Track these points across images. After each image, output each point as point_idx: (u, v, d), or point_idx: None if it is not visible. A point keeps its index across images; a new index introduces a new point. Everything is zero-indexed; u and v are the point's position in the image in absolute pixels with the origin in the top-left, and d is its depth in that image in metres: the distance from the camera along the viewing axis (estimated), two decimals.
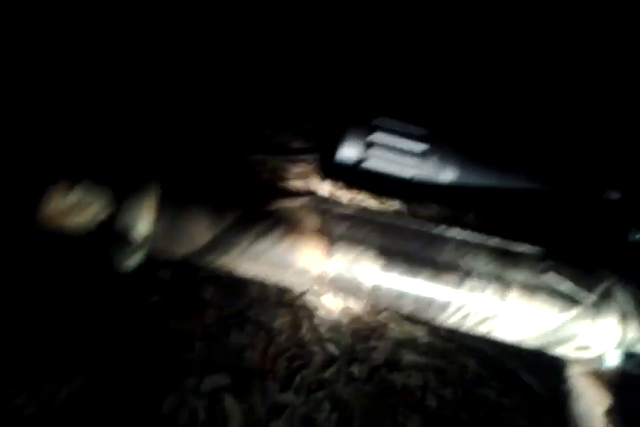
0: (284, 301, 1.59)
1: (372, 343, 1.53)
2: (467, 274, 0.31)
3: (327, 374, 1.42)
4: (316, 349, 1.48)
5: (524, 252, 0.34)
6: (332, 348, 1.49)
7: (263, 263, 0.30)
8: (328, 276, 0.31)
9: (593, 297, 0.30)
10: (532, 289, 0.29)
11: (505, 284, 0.30)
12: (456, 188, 0.41)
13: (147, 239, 0.29)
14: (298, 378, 1.40)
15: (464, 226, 0.36)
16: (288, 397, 1.34)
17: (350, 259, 0.30)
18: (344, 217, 0.31)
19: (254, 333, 1.49)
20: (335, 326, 1.55)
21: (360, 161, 0.42)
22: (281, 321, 1.53)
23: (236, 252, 0.29)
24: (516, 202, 0.40)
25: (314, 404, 1.34)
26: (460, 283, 0.30)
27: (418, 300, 0.30)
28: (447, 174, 0.40)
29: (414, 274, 0.30)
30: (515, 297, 0.30)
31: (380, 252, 0.31)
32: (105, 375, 1.31)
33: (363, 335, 1.54)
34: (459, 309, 0.30)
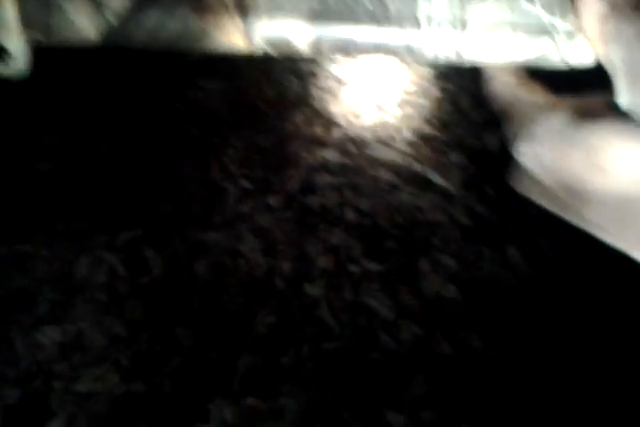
0: (190, 146, 1.53)
1: (285, 173, 1.51)
2: (419, 19, 0.24)
3: (244, 208, 1.41)
4: (228, 186, 1.45)
5: None
6: (245, 183, 1.47)
7: (181, 45, 0.22)
8: (257, 51, 0.24)
9: (567, 26, 0.24)
10: (497, 22, 0.23)
11: (464, 20, 0.24)
12: None
13: (15, 24, 0.20)
14: (215, 217, 1.38)
15: None
16: (208, 235, 1.33)
17: (273, 35, 0.22)
18: None
19: (162, 182, 1.44)
20: (245, 161, 1.52)
21: None
22: (189, 166, 1.48)
23: (139, 38, 0.21)
24: None
25: (235, 237, 1.34)
26: (413, 25, 0.23)
27: (374, 48, 0.24)
28: None
29: (357, 32, 0.23)
30: (476, 30, 0.24)
31: (313, 17, 0.23)
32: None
33: (274, 167, 1.52)
34: (412, 50, 0.24)
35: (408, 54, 0.29)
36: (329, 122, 1.65)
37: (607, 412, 1.03)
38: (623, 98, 0.26)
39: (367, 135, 1.61)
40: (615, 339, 1.12)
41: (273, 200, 1.45)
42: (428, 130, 1.64)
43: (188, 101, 1.63)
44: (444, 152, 1.55)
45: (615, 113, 0.26)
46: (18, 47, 0.23)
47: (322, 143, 1.61)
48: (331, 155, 1.57)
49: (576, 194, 0.27)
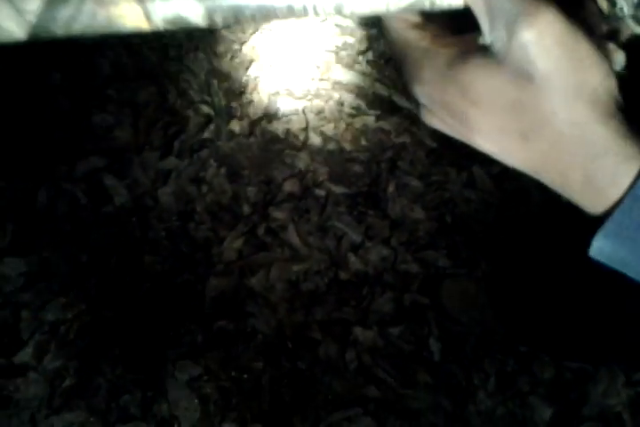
0: (145, 71, 1.47)
1: (247, 98, 1.46)
2: None
3: (206, 134, 1.38)
4: (189, 113, 1.41)
5: None
6: (206, 109, 1.42)
7: (94, 32, 0.25)
8: (159, 29, 0.26)
9: None
10: None
11: None
12: None
13: None
14: (176, 143, 1.35)
15: None
16: (170, 162, 1.30)
17: (170, 15, 0.23)
18: None
19: (118, 110, 1.39)
20: (205, 88, 1.46)
21: None
22: (145, 93, 1.43)
23: (57, 31, 0.30)
24: None
25: (199, 164, 1.31)
26: None
27: (259, 11, 0.26)
28: None
29: (243, 2, 0.24)
30: None
31: None
32: None
33: (236, 92, 1.47)
34: (293, 11, 0.27)
35: (291, 15, 0.31)
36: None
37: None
38: (486, 36, 0.29)
39: (330, 58, 1.56)
40: (572, 253, 1.15)
41: (237, 126, 1.41)
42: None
43: None
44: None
45: (483, 51, 0.29)
46: None
47: (284, 67, 1.56)
48: (293, 79, 1.52)
49: (463, 124, 0.31)
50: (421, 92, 0.32)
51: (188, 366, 0.99)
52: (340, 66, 1.54)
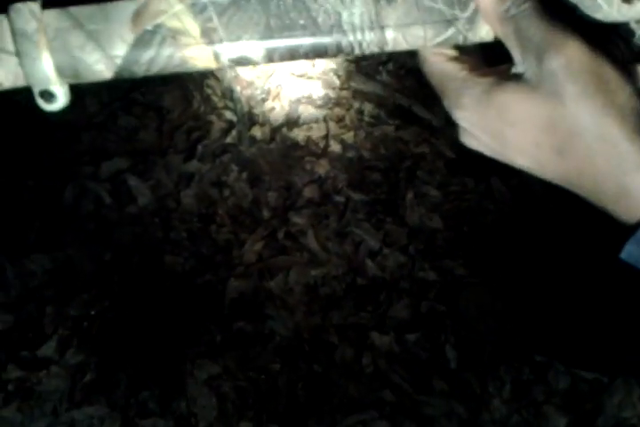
0: (170, 76, 1.49)
1: (269, 105, 1.49)
2: (345, 29, 0.34)
3: (229, 139, 1.40)
4: (212, 118, 1.44)
5: None
6: (228, 115, 1.45)
7: (168, 72, 0.35)
8: (224, 67, 0.31)
9: (466, 14, 0.28)
10: (407, 22, 0.28)
11: (382, 24, 0.28)
12: None
13: (56, 77, 0.33)
14: (200, 147, 1.37)
15: None
16: (193, 166, 1.33)
17: (236, 56, 0.35)
18: (220, 7, 0.33)
19: (143, 114, 1.42)
20: (228, 94, 1.49)
21: None
22: (170, 98, 1.45)
23: (138, 71, 0.35)
24: None
25: (221, 168, 1.34)
26: (340, 33, 0.29)
27: (312, 49, 0.31)
28: None
29: (298, 43, 0.29)
30: (392, 30, 0.29)
31: (264, 35, 0.35)
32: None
33: (258, 99, 1.50)
34: (342, 50, 0.31)
35: (339, 53, 0.35)
36: None
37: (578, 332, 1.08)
38: (518, 65, 0.32)
39: (351, 67, 1.59)
40: (591, 266, 1.16)
41: (258, 132, 1.44)
42: (412, 63, 1.62)
43: None
44: (429, 85, 1.52)
45: (516, 79, 0.32)
46: (59, 91, 0.33)
47: (305, 75, 1.58)
48: (314, 87, 1.55)
49: (502, 144, 0.34)
50: (462, 116, 0.35)
51: (207, 365, 1.01)
52: (360, 75, 1.56)
